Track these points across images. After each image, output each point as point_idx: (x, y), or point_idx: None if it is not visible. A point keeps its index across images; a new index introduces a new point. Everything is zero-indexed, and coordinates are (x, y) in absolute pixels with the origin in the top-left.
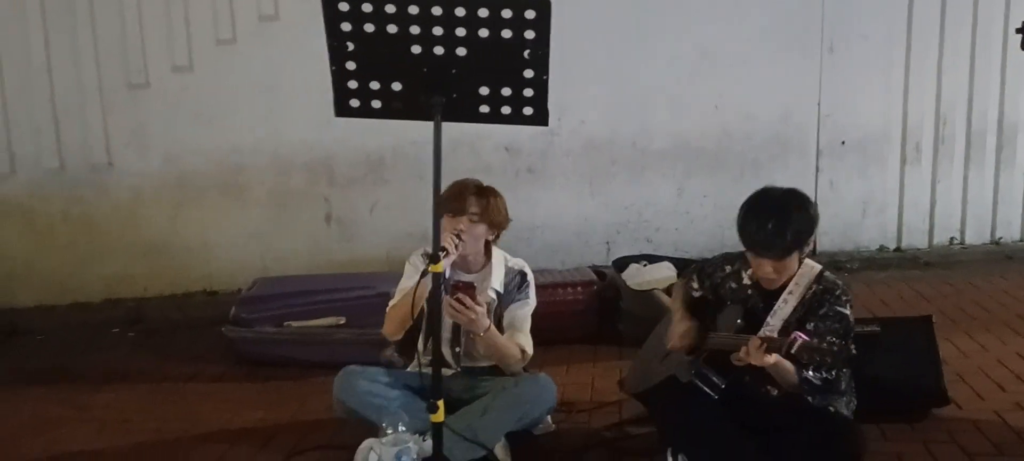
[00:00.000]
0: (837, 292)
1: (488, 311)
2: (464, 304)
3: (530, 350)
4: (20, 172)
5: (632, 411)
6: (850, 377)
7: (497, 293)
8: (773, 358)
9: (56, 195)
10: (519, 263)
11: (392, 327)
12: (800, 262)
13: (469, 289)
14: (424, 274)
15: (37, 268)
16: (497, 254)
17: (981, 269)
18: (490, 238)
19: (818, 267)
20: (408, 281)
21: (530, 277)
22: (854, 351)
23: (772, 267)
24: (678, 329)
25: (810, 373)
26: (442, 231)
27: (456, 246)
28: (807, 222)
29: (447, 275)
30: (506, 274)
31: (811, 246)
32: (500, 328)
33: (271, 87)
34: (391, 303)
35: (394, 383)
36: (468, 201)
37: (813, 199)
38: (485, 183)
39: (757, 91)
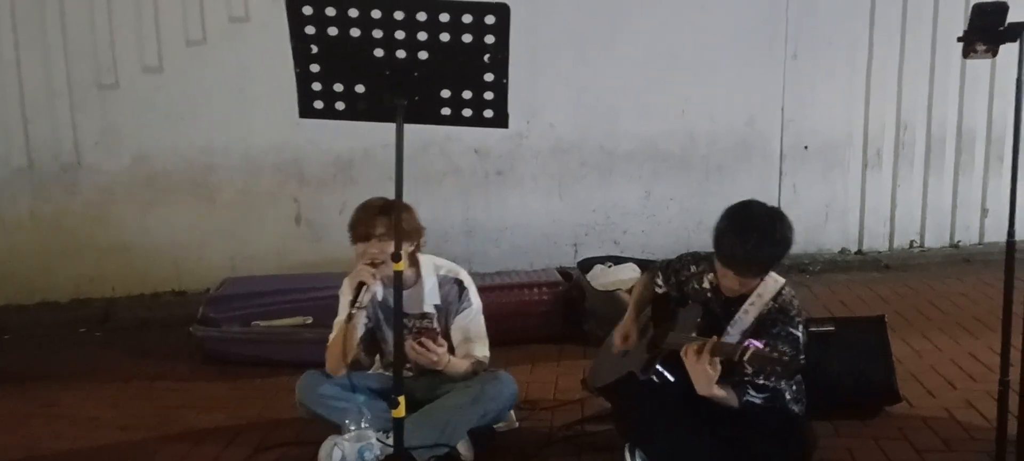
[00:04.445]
0: (791, 312)
1: (431, 321)
2: (427, 347)
3: (487, 356)
4: None
5: (594, 408)
6: (800, 387)
7: (436, 307)
8: (716, 382)
9: (24, 194)
10: (453, 270)
11: (332, 364)
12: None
13: (431, 334)
14: (350, 317)
15: (5, 267)
16: (426, 264)
17: (939, 271)
18: (409, 250)
19: (781, 282)
20: (343, 314)
21: (467, 282)
22: (803, 362)
23: (739, 282)
24: (621, 331)
25: (751, 394)
26: (355, 261)
27: (374, 275)
28: (785, 245)
29: (380, 299)
30: (441, 284)
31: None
32: (447, 336)
33: (241, 88)
34: (330, 338)
35: (355, 385)
36: (372, 223)
37: (777, 203)
38: (403, 199)
39: (722, 96)
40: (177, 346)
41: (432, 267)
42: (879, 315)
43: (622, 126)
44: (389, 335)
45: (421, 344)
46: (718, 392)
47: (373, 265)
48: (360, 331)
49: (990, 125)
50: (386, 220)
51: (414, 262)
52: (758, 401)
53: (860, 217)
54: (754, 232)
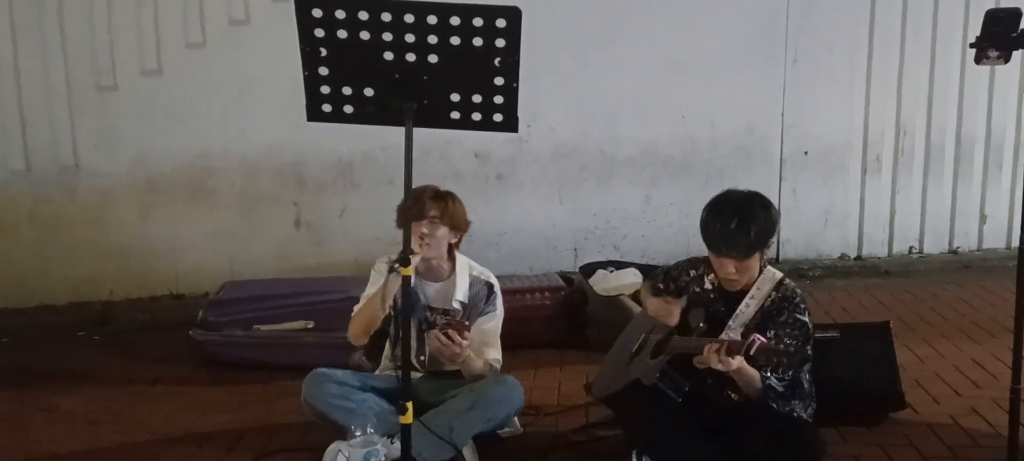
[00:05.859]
0: (796, 300)
1: (456, 316)
2: (452, 340)
3: (499, 362)
4: None
5: (598, 414)
6: (811, 389)
7: (462, 304)
8: (736, 362)
9: (23, 196)
10: (485, 273)
11: (357, 330)
12: (761, 266)
13: (460, 327)
14: (392, 271)
15: (3, 270)
16: (462, 261)
17: (939, 278)
18: (453, 241)
19: (779, 275)
20: (373, 288)
21: (497, 288)
22: (810, 353)
23: (734, 267)
24: (656, 302)
25: (773, 380)
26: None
27: (421, 245)
28: (769, 222)
29: (413, 284)
30: (471, 284)
31: (771, 250)
32: None
33: (241, 91)
34: (356, 308)
35: (362, 386)
36: (427, 205)
37: (777, 209)
38: (449, 189)
39: (723, 101)
40: (175, 349)
41: (466, 266)
42: (884, 321)
43: (622, 130)
44: (412, 325)
45: (447, 335)
46: (735, 364)
47: (422, 239)
48: (388, 302)
49: (989, 132)
50: (440, 206)
51: (452, 256)
52: (780, 388)
53: (859, 223)
54: (734, 212)
